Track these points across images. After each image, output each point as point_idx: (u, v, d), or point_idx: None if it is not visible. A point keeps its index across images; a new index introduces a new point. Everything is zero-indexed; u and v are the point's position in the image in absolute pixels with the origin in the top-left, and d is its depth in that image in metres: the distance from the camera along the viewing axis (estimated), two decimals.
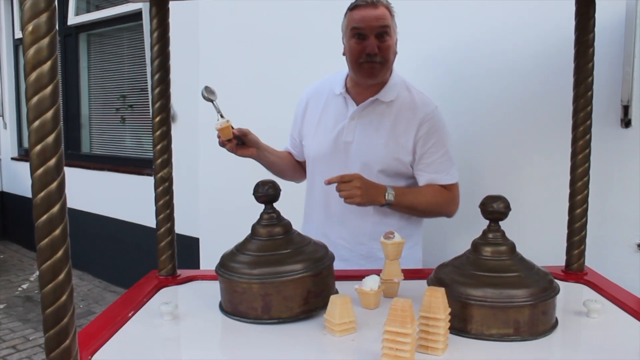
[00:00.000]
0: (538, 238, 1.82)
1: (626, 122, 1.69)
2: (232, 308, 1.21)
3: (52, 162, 0.82)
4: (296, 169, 1.90)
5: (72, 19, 4.91)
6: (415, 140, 1.63)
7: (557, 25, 1.80)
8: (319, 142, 1.73)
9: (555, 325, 1.14)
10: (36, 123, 0.81)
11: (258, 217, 1.27)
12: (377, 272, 1.33)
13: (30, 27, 0.80)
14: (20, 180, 5.75)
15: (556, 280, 1.17)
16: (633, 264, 1.72)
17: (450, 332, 1.07)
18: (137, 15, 4.14)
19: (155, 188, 1.48)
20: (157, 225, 1.49)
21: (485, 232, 1.17)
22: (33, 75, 0.80)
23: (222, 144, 1.61)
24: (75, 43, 4.98)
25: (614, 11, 1.69)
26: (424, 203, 1.64)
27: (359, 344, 1.08)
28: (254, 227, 1.27)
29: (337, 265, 1.31)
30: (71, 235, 0.86)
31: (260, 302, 1.17)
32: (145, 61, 4.10)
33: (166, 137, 1.47)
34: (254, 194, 1.27)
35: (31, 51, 0.80)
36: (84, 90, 5.06)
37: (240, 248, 1.25)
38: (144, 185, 3.93)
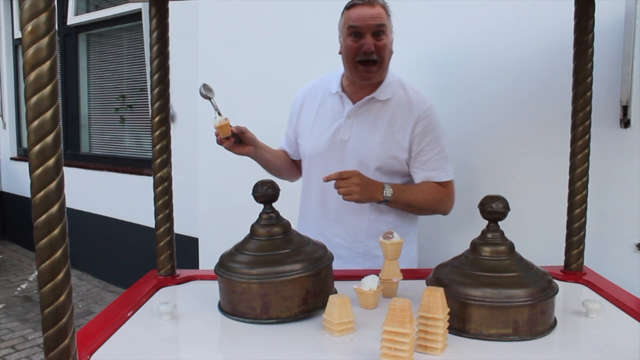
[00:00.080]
0: (537, 238, 1.82)
1: (625, 123, 1.70)
2: (231, 308, 1.21)
3: (51, 162, 0.82)
4: (291, 167, 1.90)
5: (72, 19, 4.91)
6: (411, 138, 1.64)
7: (556, 25, 1.80)
8: (315, 141, 1.73)
9: (554, 325, 1.14)
10: (35, 123, 0.81)
11: (257, 217, 1.27)
12: (376, 272, 1.33)
13: (29, 27, 0.80)
14: (19, 180, 5.74)
15: (555, 280, 1.17)
16: (632, 264, 1.72)
17: (449, 332, 1.07)
18: (136, 15, 4.14)
19: (155, 188, 1.48)
20: (156, 225, 1.49)
21: (484, 232, 1.18)
22: (32, 75, 0.80)
23: (220, 141, 1.61)
24: (74, 43, 4.98)
25: (613, 11, 1.69)
26: (420, 200, 1.65)
27: (358, 344, 1.08)
28: (253, 227, 1.27)
29: (334, 264, 1.31)
30: (70, 235, 0.86)
31: (259, 302, 1.17)
32: (144, 61, 4.10)
33: (165, 137, 1.47)
34: (253, 193, 1.27)
35: (30, 51, 0.80)
36: (83, 90, 5.06)
37: (239, 248, 1.25)
38: (143, 185, 3.94)
